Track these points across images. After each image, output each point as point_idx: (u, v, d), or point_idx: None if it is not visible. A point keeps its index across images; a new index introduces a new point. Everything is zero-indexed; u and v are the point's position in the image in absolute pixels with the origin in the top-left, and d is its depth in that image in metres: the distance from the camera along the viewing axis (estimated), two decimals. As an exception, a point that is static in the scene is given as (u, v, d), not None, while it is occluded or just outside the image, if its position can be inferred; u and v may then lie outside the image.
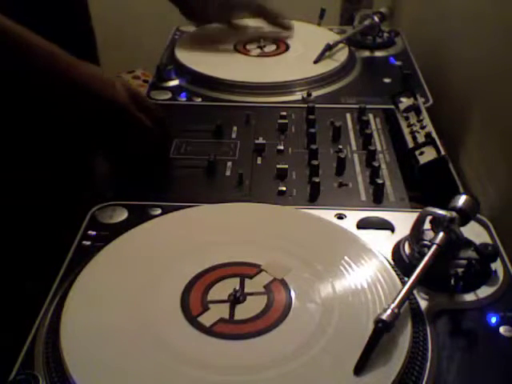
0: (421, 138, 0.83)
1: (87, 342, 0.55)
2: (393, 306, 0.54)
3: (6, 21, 0.72)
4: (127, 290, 0.61)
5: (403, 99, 0.95)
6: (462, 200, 0.64)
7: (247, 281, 0.61)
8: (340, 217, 0.73)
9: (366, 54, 1.18)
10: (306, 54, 1.11)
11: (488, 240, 0.69)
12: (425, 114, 0.89)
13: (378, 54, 1.18)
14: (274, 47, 1.15)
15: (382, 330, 0.53)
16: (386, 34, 1.21)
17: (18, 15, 0.76)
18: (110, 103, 0.77)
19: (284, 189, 0.78)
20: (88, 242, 0.69)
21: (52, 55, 0.74)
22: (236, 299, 0.59)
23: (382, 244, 0.68)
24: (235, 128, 0.92)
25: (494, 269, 0.65)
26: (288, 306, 0.58)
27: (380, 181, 0.77)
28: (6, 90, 0.75)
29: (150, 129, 0.81)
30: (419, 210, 0.64)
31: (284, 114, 0.94)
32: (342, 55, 1.11)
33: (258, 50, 1.13)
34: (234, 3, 1.14)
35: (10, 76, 0.73)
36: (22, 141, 0.86)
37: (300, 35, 1.18)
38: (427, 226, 0.64)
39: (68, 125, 0.81)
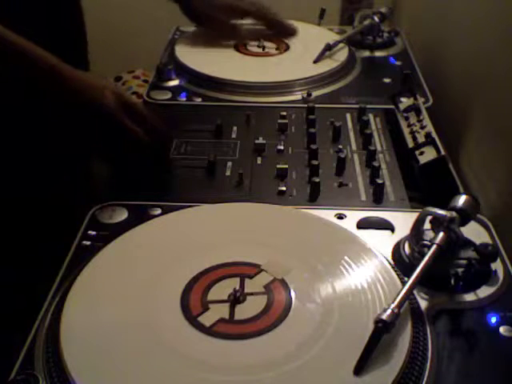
0: (421, 138, 0.83)
1: (87, 342, 0.55)
2: (393, 306, 0.54)
3: (6, 31, 0.72)
4: (127, 290, 0.61)
5: (403, 99, 0.95)
6: (462, 200, 0.64)
7: (247, 281, 0.61)
8: (340, 217, 0.73)
9: (366, 53, 1.18)
10: (305, 54, 1.11)
11: (488, 240, 0.69)
12: (425, 113, 0.89)
13: (378, 53, 1.18)
14: (274, 47, 1.14)
15: (382, 330, 0.53)
16: (385, 34, 1.21)
17: (12, 13, 0.77)
18: (98, 111, 0.78)
19: (284, 189, 0.78)
20: (88, 242, 0.69)
21: (45, 62, 0.75)
22: (236, 299, 0.59)
23: (382, 244, 0.68)
24: (235, 128, 0.92)
25: (493, 269, 0.65)
26: (288, 306, 0.58)
27: (380, 181, 0.77)
28: (5, 95, 0.75)
29: (141, 136, 0.81)
30: (419, 210, 0.64)
31: (284, 113, 0.94)
32: (341, 55, 1.11)
33: (259, 50, 1.13)
34: (235, 8, 1.13)
35: (8, 83, 0.74)
36: (21, 142, 0.86)
37: (300, 35, 1.18)
38: (427, 225, 0.64)
39: (65, 128, 0.82)
